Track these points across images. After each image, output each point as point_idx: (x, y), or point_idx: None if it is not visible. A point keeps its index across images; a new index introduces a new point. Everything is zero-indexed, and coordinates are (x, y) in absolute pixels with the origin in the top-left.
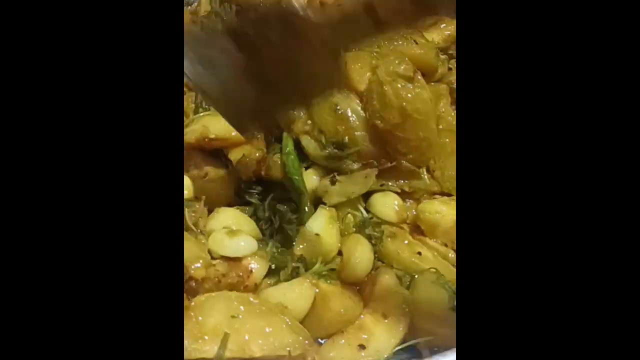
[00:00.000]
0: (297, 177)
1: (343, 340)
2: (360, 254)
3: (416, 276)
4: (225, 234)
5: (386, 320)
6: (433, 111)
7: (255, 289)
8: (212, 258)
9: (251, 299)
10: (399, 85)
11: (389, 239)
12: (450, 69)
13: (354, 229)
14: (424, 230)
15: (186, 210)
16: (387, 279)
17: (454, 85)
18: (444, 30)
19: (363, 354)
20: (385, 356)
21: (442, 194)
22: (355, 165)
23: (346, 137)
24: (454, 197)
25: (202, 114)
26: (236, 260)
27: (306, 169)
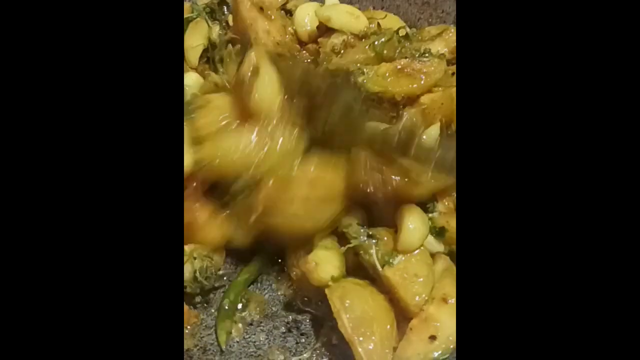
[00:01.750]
0: None
1: (412, 337)
2: (416, 222)
3: None
4: None
5: (448, 304)
6: None
7: None
8: None
9: None
10: None
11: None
12: (453, 74)
13: None
14: None
15: None
16: (441, 262)
17: None
18: (450, 41)
19: (437, 343)
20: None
21: None
22: None
23: None
24: None
25: None
26: None
27: None
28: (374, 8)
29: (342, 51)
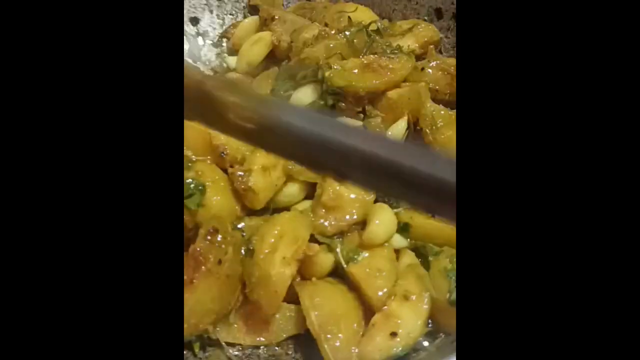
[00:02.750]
0: None
1: (375, 332)
2: (382, 218)
3: (430, 258)
4: None
5: (409, 301)
6: None
7: None
8: None
9: None
10: None
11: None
12: (423, 69)
13: None
14: None
15: None
16: (406, 257)
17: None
18: (421, 37)
19: (398, 340)
20: (418, 338)
21: None
22: None
23: None
24: None
25: None
26: None
27: None
28: (348, 0)
29: (312, 43)
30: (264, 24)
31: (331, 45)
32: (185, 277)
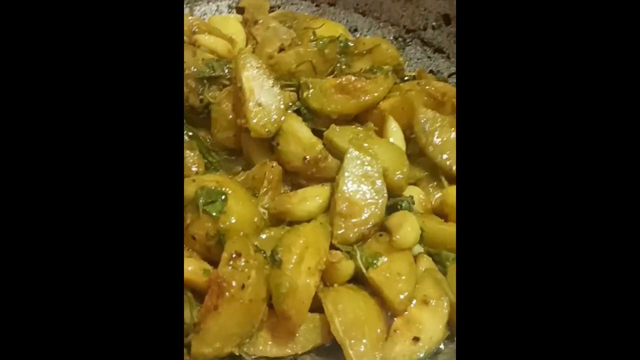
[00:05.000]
0: None
1: (397, 338)
2: (412, 224)
3: (447, 264)
4: None
5: (429, 305)
6: None
7: None
8: None
9: None
10: None
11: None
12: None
13: None
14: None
15: None
16: (423, 262)
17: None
18: (377, 61)
19: (421, 344)
20: (440, 342)
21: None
22: None
23: None
24: None
25: None
26: None
27: None
28: (357, 5)
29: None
30: (246, 25)
31: (301, 51)
32: (208, 304)
